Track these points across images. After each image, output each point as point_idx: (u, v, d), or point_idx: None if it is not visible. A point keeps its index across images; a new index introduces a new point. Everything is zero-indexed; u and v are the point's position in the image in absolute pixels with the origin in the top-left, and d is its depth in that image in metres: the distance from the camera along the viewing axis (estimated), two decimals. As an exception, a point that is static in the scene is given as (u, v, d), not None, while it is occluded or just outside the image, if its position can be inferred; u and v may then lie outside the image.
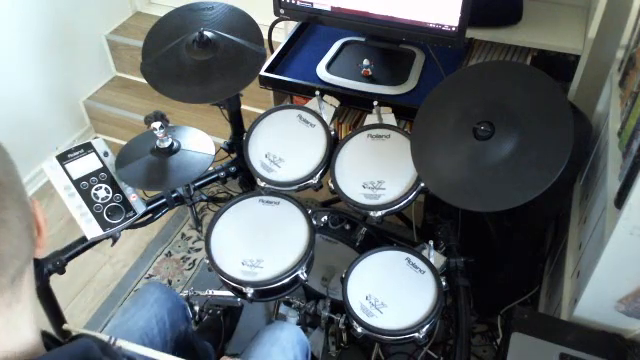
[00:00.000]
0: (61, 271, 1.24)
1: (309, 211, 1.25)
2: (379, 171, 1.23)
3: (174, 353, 0.77)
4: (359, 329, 1.11)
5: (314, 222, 1.24)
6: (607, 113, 1.23)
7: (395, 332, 1.08)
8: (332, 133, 1.30)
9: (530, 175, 0.97)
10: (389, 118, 1.31)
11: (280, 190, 1.28)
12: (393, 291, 1.14)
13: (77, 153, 1.20)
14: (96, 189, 1.19)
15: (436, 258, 1.20)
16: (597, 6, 1.32)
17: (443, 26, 1.34)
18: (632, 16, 1.27)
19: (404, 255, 1.19)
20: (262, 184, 1.27)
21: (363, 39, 1.59)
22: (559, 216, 1.52)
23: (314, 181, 1.26)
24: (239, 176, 1.57)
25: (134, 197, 1.22)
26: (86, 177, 1.19)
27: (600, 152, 1.23)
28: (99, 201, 1.18)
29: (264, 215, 1.26)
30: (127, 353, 0.72)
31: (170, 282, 1.83)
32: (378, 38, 1.55)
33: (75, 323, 1.63)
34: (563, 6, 1.58)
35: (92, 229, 1.17)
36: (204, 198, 1.53)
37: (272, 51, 1.62)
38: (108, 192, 1.20)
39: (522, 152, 0.98)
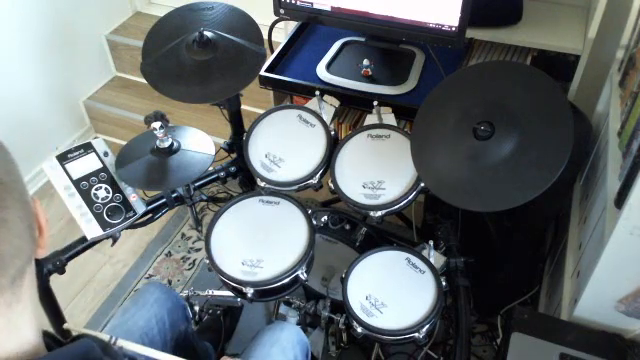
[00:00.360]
0: (61, 271, 1.24)
1: (309, 211, 1.25)
2: (379, 171, 1.23)
3: (174, 353, 0.77)
4: (359, 329, 1.11)
5: (314, 222, 1.24)
6: (607, 113, 1.23)
7: (395, 332, 1.08)
8: (332, 133, 1.30)
9: (530, 175, 0.97)
10: (389, 118, 1.31)
11: (280, 190, 1.28)
12: (393, 291, 1.14)
13: (77, 153, 1.20)
14: (96, 189, 1.19)
15: (436, 258, 1.20)
16: (597, 6, 1.32)
17: (443, 26, 1.34)
18: (632, 16, 1.27)
19: (404, 255, 1.19)
20: (262, 184, 1.27)
21: (363, 39, 1.59)
22: (559, 216, 1.52)
23: (314, 181, 1.26)
24: (239, 176, 1.57)
25: (134, 197, 1.22)
26: (86, 177, 1.19)
27: (600, 152, 1.23)
28: (99, 201, 1.18)
29: (264, 215, 1.26)
30: (128, 353, 0.72)
31: (170, 282, 1.83)
32: (378, 38, 1.55)
33: (75, 323, 1.63)
34: (563, 6, 1.58)
35: (92, 229, 1.17)
36: (204, 198, 1.53)
37: (272, 51, 1.62)
38: (108, 192, 1.20)
39: (522, 152, 0.98)
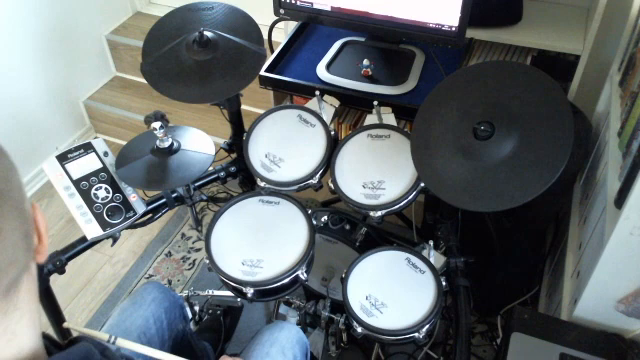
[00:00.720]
0: (61, 271, 1.24)
1: (309, 211, 1.25)
2: (379, 171, 1.23)
3: (172, 352, 0.77)
4: (359, 329, 1.11)
5: (314, 222, 1.24)
6: (607, 113, 1.23)
7: (395, 332, 1.08)
8: (332, 133, 1.30)
9: (530, 175, 0.97)
10: (389, 118, 1.31)
11: (280, 190, 1.28)
12: (393, 291, 1.14)
13: (77, 153, 1.20)
14: (96, 189, 1.19)
15: (436, 258, 1.20)
16: (597, 6, 1.32)
17: (443, 26, 1.34)
18: (632, 16, 1.27)
19: (404, 255, 1.19)
20: (262, 184, 1.27)
21: (363, 39, 1.60)
22: (559, 216, 1.52)
23: (314, 181, 1.26)
24: (239, 176, 1.57)
25: (134, 197, 1.22)
26: (86, 177, 1.19)
27: (600, 152, 1.23)
28: (99, 201, 1.18)
29: (264, 215, 1.26)
30: (126, 354, 0.72)
31: (170, 282, 1.83)
32: (378, 38, 1.55)
33: (75, 323, 1.63)
34: (563, 6, 1.58)
35: (92, 229, 1.17)
36: (204, 198, 1.53)
37: (272, 51, 1.62)
38: (108, 192, 1.20)
39: (522, 152, 0.98)
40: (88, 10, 2.23)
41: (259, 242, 1.21)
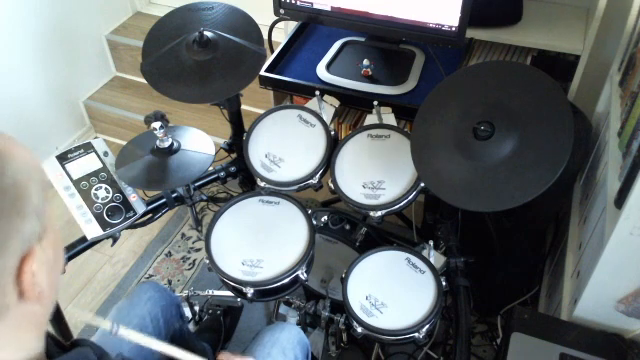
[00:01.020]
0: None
1: (309, 211, 1.25)
2: (379, 171, 1.23)
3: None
4: (359, 329, 1.11)
5: (314, 222, 1.24)
6: (607, 113, 1.23)
7: (395, 332, 1.08)
8: (332, 133, 1.30)
9: (530, 175, 0.97)
10: (389, 118, 1.31)
11: (280, 190, 1.28)
12: (393, 291, 1.14)
13: (77, 153, 1.20)
14: (96, 189, 1.19)
15: (436, 258, 1.20)
16: (597, 6, 1.32)
17: (443, 26, 1.34)
18: (632, 16, 1.27)
19: (404, 255, 1.19)
20: (262, 184, 1.27)
21: (363, 39, 1.59)
22: (559, 216, 1.52)
23: (314, 181, 1.26)
24: (239, 176, 1.57)
25: (134, 197, 1.22)
26: (86, 177, 1.19)
27: (600, 152, 1.23)
28: (99, 201, 1.18)
29: (264, 215, 1.26)
30: (124, 354, 0.72)
31: (170, 282, 1.83)
32: (378, 38, 1.55)
33: (75, 323, 1.63)
34: (563, 6, 1.58)
35: (92, 229, 1.17)
36: (204, 198, 1.53)
37: (272, 51, 1.62)
38: (108, 192, 1.20)
39: (522, 152, 0.98)
40: (88, 10, 2.23)
41: (259, 242, 1.21)
